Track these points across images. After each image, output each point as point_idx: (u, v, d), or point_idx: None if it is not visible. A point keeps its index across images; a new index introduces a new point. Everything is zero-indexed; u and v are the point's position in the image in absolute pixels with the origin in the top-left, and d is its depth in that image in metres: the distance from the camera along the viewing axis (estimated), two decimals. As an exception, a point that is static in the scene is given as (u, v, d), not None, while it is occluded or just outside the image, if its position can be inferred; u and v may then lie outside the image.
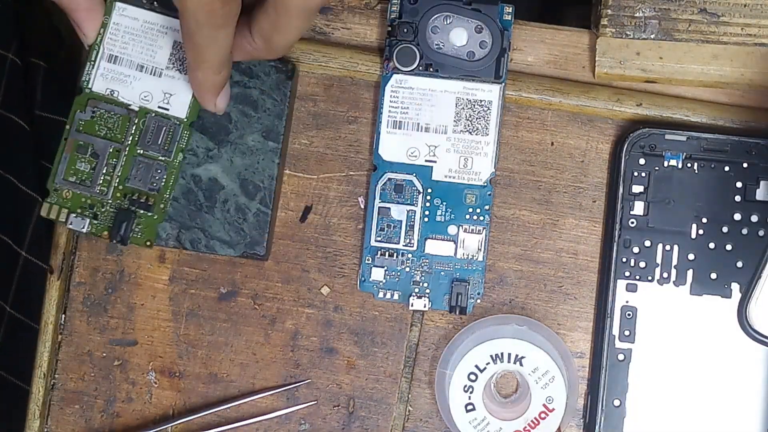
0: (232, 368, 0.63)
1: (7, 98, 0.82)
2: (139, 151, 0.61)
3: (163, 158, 0.61)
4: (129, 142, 0.61)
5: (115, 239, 0.61)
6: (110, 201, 0.61)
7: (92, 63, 0.61)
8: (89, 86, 0.62)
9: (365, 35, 0.64)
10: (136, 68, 0.62)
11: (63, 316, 0.64)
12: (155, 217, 0.61)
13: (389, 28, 0.62)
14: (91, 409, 0.64)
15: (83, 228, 0.61)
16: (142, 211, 0.61)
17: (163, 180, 0.61)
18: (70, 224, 0.61)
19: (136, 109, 0.62)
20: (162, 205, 0.61)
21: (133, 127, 0.61)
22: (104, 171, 0.61)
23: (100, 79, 0.62)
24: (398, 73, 0.63)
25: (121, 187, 0.61)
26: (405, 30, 0.62)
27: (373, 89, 0.64)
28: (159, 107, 0.62)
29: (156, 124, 0.61)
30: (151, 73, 0.61)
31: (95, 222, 0.61)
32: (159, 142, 0.61)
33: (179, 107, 0.62)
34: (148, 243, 0.61)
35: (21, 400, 0.65)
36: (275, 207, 0.63)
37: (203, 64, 0.57)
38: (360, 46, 0.64)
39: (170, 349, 0.64)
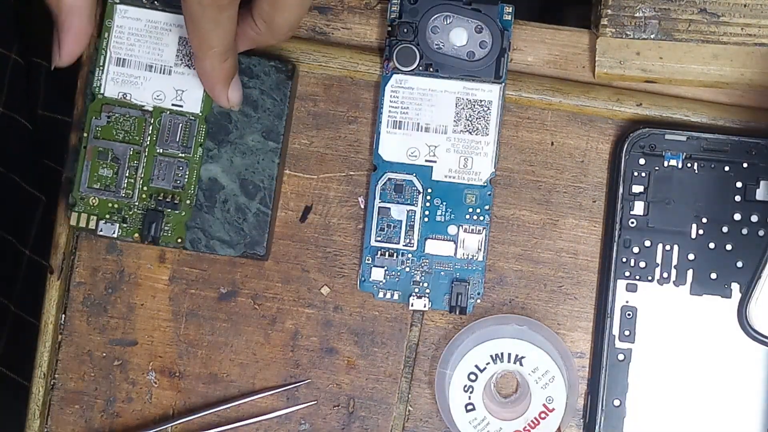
0: (232, 368, 0.63)
1: (9, 98, 0.82)
2: (158, 151, 0.62)
3: (183, 155, 0.62)
4: (148, 143, 0.62)
5: (147, 240, 0.61)
6: (137, 203, 0.62)
7: (101, 68, 0.62)
8: (101, 92, 0.62)
9: (365, 35, 0.64)
10: (145, 69, 0.62)
11: (63, 315, 0.64)
12: (183, 214, 0.62)
13: (389, 28, 0.62)
14: (91, 409, 0.64)
15: (113, 233, 0.61)
16: (169, 210, 0.61)
17: (186, 176, 0.62)
18: (101, 231, 0.61)
19: (151, 109, 0.62)
20: (188, 202, 0.62)
21: (150, 128, 0.62)
22: (127, 174, 0.62)
23: (111, 83, 0.62)
24: (398, 73, 0.63)
25: (145, 188, 0.62)
26: (405, 30, 0.62)
27: (373, 89, 0.64)
28: (173, 105, 0.62)
29: (172, 122, 0.62)
30: (160, 72, 0.62)
31: (124, 226, 0.62)
32: (177, 140, 0.62)
33: (193, 102, 0.62)
34: (179, 240, 0.62)
35: (25, 398, 0.65)
36: (275, 207, 0.63)
37: (209, 51, 0.57)
38: (360, 46, 0.64)
39: (170, 349, 0.64)
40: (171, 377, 0.64)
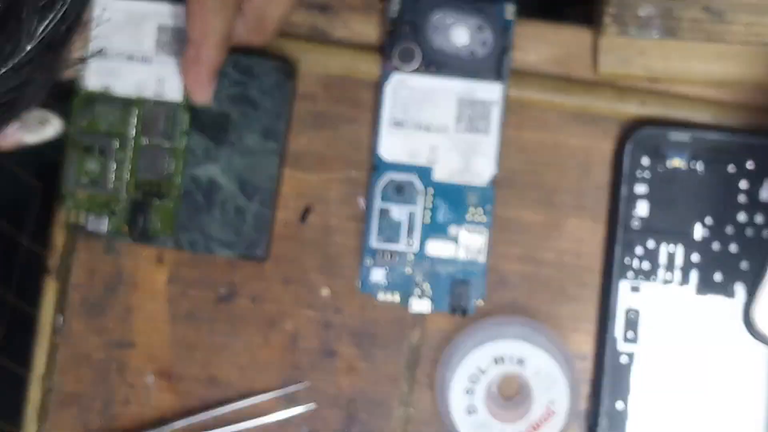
0: (231, 370, 0.63)
1: None
2: (143, 142, 0.61)
3: (168, 144, 0.62)
4: (132, 134, 0.62)
5: (136, 232, 0.61)
6: (124, 196, 0.62)
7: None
8: (84, 85, 0.62)
9: (365, 34, 0.64)
10: (125, 59, 0.62)
11: (60, 317, 0.64)
12: (171, 204, 0.61)
13: (390, 27, 0.62)
14: (89, 411, 0.63)
15: (102, 227, 0.61)
16: (157, 201, 0.61)
17: (172, 165, 0.61)
18: (90, 226, 0.61)
19: (133, 99, 0.62)
20: (175, 191, 0.61)
21: (134, 119, 0.62)
22: (114, 167, 0.62)
23: (93, 76, 0.62)
24: (399, 73, 0.62)
25: (132, 180, 0.62)
26: (406, 29, 0.62)
27: (373, 89, 0.64)
28: (154, 94, 0.62)
29: (155, 112, 0.62)
30: (141, 62, 0.62)
31: (113, 219, 0.62)
32: (161, 129, 0.62)
33: (174, 91, 0.62)
34: (168, 231, 0.61)
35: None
36: (275, 207, 0.63)
37: (211, 37, 0.56)
38: (360, 46, 0.64)
39: (168, 352, 0.63)
40: (169, 379, 0.63)
